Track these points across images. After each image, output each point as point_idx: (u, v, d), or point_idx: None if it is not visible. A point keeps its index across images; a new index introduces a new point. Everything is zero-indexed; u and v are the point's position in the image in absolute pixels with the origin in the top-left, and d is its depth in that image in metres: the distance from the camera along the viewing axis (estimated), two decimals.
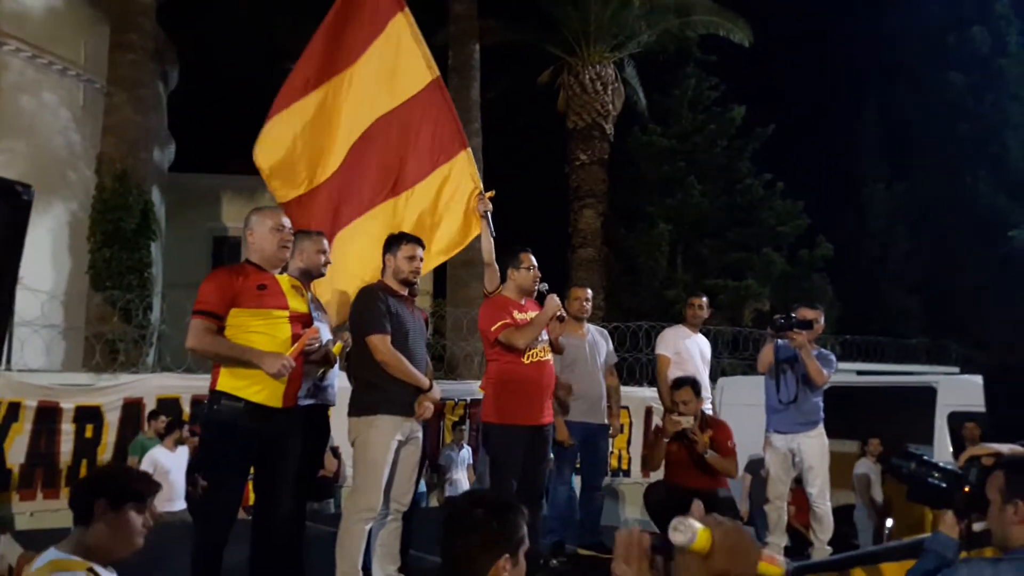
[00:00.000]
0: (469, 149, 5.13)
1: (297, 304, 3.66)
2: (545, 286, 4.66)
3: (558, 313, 4.53)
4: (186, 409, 8.49)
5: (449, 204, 5.04)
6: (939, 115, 20.84)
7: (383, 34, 5.08)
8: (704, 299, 6.11)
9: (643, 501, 5.34)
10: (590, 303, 5.57)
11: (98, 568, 2.25)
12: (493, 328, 4.46)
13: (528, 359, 4.46)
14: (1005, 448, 2.45)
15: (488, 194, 4.96)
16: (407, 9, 5.13)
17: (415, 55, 5.08)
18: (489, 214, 4.91)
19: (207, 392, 3.61)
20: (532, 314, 4.57)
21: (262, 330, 3.50)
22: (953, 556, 2.34)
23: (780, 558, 1.35)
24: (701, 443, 5.05)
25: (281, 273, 3.74)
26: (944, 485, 2.44)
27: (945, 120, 20.75)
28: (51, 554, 2.26)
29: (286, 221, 3.74)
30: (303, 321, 3.66)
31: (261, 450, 3.51)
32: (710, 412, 5.85)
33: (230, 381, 3.45)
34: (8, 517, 7.55)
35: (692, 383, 5.28)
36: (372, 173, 5.02)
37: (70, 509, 2.39)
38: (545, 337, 4.56)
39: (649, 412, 10.99)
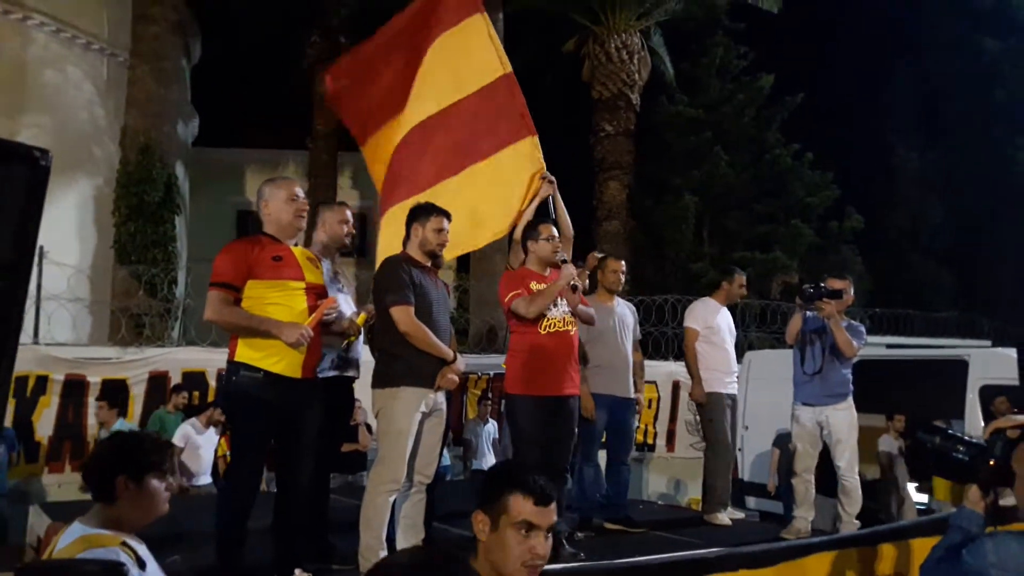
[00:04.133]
0: (536, 137, 5.11)
1: (312, 276, 3.64)
2: (563, 256, 4.56)
3: (573, 283, 4.43)
4: (212, 383, 8.55)
5: (507, 187, 5.06)
6: (973, 82, 20.36)
7: (458, 27, 5.26)
8: (744, 276, 6.07)
9: None
10: (624, 275, 5.56)
11: (130, 541, 2.23)
12: (507, 298, 4.42)
13: (544, 329, 4.38)
14: None
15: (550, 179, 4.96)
16: (485, 13, 5.33)
17: (489, 51, 5.22)
18: (551, 197, 4.91)
19: None
20: None
21: (279, 301, 3.48)
22: (978, 530, 2.29)
23: None
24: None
25: (296, 244, 3.71)
26: (968, 459, 2.40)
27: (979, 87, 20.27)
28: (78, 529, 2.23)
29: (299, 191, 3.73)
30: (318, 292, 3.64)
31: (281, 421, 3.49)
32: (734, 390, 5.80)
33: (248, 352, 3.43)
34: (37, 489, 7.67)
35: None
36: (437, 156, 5.16)
37: (86, 484, 2.36)
38: (566, 308, 4.47)
39: (676, 386, 10.95)
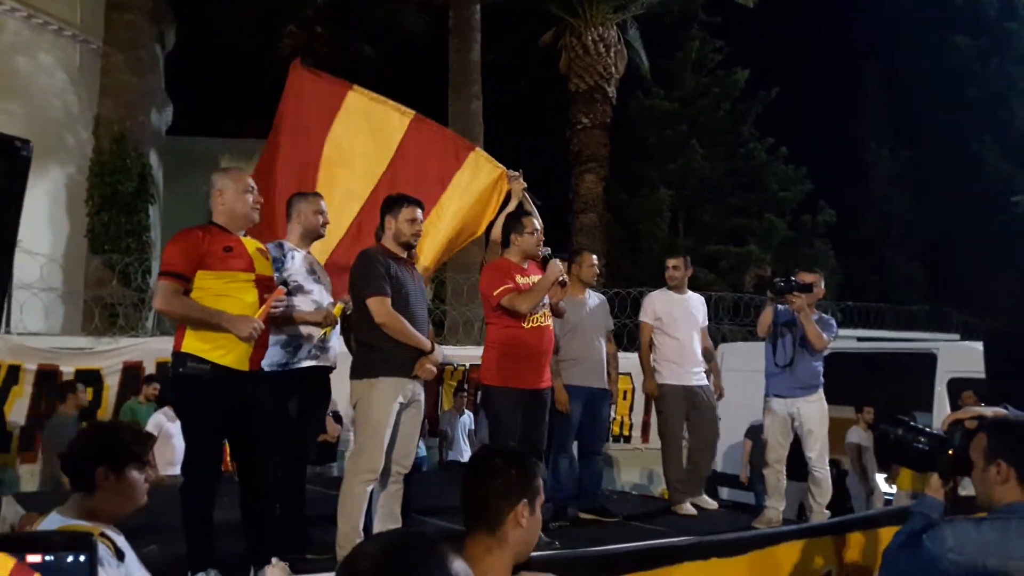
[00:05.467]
0: (478, 149, 5.12)
1: (262, 267, 3.58)
2: (548, 250, 4.65)
3: (561, 278, 4.51)
4: None
5: (473, 200, 5.09)
6: (945, 80, 20.64)
7: (340, 113, 5.09)
8: (680, 259, 6.00)
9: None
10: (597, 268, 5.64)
11: (109, 532, 2.24)
12: (496, 292, 4.44)
13: (529, 324, 4.46)
14: (988, 411, 2.49)
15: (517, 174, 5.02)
16: (356, 87, 5.18)
17: (383, 112, 5.14)
18: (526, 192, 4.96)
19: None
20: (535, 278, 4.57)
21: (228, 293, 3.40)
22: (938, 517, 2.39)
23: None
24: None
25: (245, 235, 3.63)
26: (929, 449, 2.51)
27: (951, 85, 20.55)
28: (56, 519, 2.24)
29: (253, 183, 3.67)
30: (267, 285, 3.57)
31: (231, 414, 3.41)
32: (703, 381, 5.83)
33: (196, 344, 3.35)
34: (9, 479, 7.60)
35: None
36: None
37: (64, 475, 2.35)
38: (546, 301, 4.55)
39: None
